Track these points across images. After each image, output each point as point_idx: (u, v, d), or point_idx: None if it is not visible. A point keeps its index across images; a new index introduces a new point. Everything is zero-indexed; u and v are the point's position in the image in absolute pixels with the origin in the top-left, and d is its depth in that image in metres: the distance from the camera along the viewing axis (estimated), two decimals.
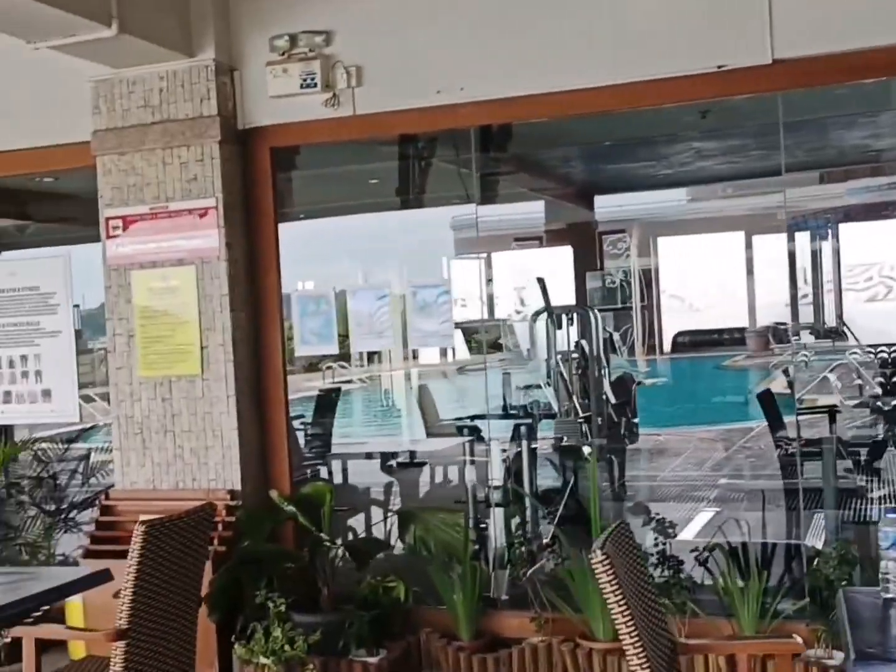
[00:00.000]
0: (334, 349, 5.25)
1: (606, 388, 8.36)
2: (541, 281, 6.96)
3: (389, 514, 5.35)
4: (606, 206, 10.30)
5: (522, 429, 5.92)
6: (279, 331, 5.08)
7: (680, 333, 12.14)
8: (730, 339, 12.61)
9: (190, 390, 4.96)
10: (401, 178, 7.20)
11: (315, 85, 4.80)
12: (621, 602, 2.43)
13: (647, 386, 8.57)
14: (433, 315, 4.91)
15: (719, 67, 4.38)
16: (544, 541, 5.40)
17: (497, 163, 7.82)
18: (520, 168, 8.74)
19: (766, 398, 6.36)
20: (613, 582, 2.43)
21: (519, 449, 6.06)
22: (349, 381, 11.26)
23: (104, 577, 3.65)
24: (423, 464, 7.56)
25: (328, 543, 4.54)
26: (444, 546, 4.72)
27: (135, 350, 5.04)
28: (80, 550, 5.65)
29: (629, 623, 2.43)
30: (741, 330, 12.68)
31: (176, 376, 4.98)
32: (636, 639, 2.42)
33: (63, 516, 5.75)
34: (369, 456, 7.74)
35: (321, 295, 5.13)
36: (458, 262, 11.79)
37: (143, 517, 3.26)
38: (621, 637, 2.46)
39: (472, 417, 8.28)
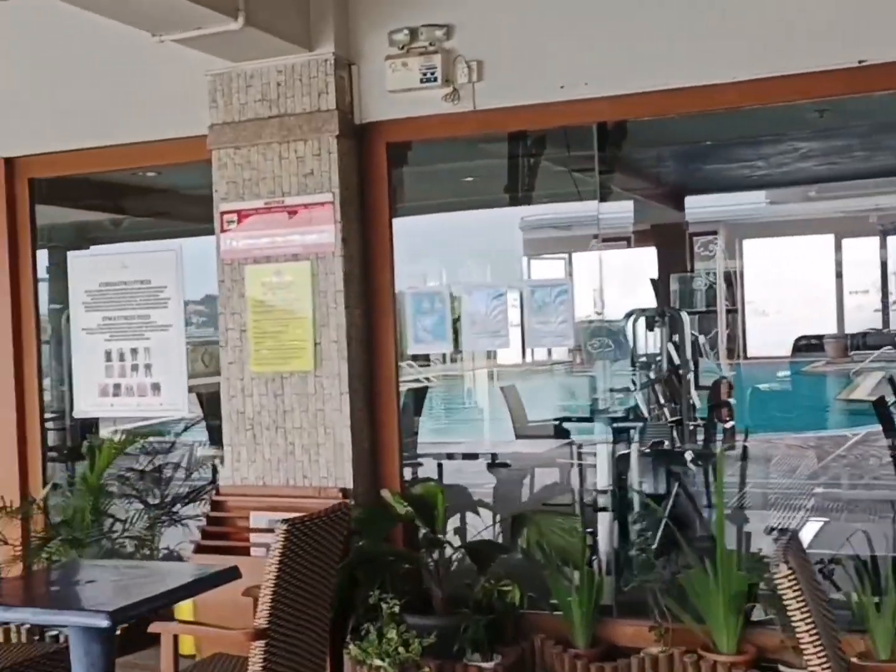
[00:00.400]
0: (448, 348, 5.18)
1: (692, 392, 8.22)
2: (654, 282, 6.84)
3: (500, 516, 5.26)
4: (695, 206, 10.11)
5: (630, 432, 5.81)
6: (392, 328, 5.02)
7: (802, 338, 11.88)
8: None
9: (302, 387, 4.92)
10: (500, 175, 7.12)
11: (435, 79, 4.73)
12: (808, 620, 2.31)
13: (763, 390, 8.40)
14: (551, 314, 4.81)
15: (860, 62, 4.23)
16: (653, 546, 5.28)
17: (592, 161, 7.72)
18: (613, 167, 8.62)
19: (881, 405, 6.16)
20: (800, 599, 2.32)
21: (622, 452, 5.94)
22: (416, 381, 11.20)
23: (233, 574, 3.62)
24: (507, 465, 7.47)
25: (448, 545, 4.47)
26: (559, 550, 4.63)
27: (247, 345, 5.01)
28: (182, 544, 5.69)
29: (817, 643, 2.31)
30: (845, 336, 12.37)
31: (288, 372, 4.94)
32: (824, 659, 2.30)
33: (166, 509, 5.75)
34: (451, 456, 7.66)
35: (435, 292, 5.06)
36: (538, 261, 11.68)
37: (285, 516, 3.21)
38: (807, 657, 2.34)
39: (562, 420, 8.19)
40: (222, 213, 5.05)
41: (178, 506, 5.83)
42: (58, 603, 3.37)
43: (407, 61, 4.78)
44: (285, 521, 3.16)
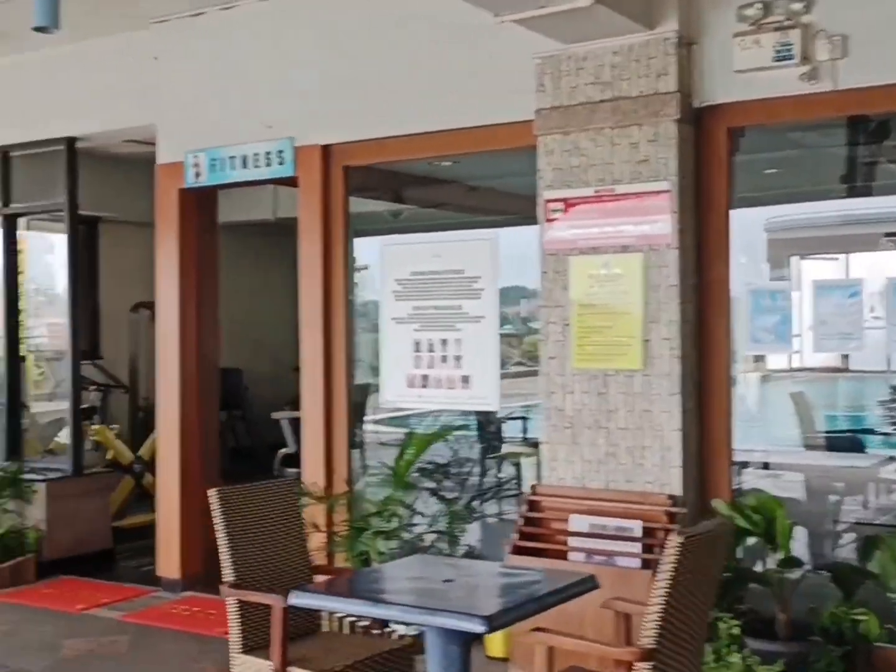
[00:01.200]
0: (788, 350, 4.79)
1: None
2: None
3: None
4: None
5: None
6: (726, 326, 4.68)
7: None
8: None
9: (628, 385, 4.65)
10: (811, 167, 6.62)
11: (791, 57, 4.35)
12: None
13: None
14: (842, 316, 4.36)
15: None
16: None
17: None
18: None
19: None
20: None
21: None
22: None
23: (594, 584, 3.39)
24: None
25: (803, 566, 4.08)
26: None
27: (569, 340, 4.79)
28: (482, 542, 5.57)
29: None
30: None
31: (613, 370, 4.68)
32: None
33: (466, 505, 5.64)
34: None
35: (777, 289, 4.67)
36: (808, 262, 10.97)
37: (679, 530, 2.95)
38: None
39: (855, 431, 7.56)
40: (547, 202, 4.85)
41: (477, 502, 5.70)
42: (424, 601, 3.23)
43: (759, 38, 4.42)
44: (681, 533, 2.88)
